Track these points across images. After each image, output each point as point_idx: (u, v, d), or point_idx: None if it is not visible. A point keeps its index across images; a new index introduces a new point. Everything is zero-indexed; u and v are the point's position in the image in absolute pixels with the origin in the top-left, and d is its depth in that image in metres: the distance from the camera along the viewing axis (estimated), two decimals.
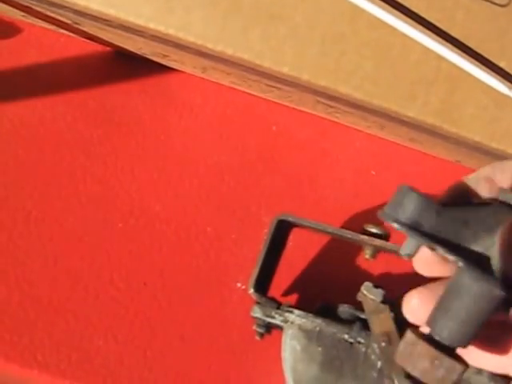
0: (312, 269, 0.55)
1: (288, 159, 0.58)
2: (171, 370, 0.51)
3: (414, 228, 0.31)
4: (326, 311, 0.50)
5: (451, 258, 0.30)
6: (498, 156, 0.48)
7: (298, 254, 0.54)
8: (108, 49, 0.59)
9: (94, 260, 0.53)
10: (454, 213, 0.31)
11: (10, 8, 0.54)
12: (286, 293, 0.54)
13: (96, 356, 0.50)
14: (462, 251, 0.30)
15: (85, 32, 0.53)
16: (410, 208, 0.31)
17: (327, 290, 0.54)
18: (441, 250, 0.31)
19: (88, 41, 0.58)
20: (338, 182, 0.57)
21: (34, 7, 0.49)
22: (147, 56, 0.56)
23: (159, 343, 0.51)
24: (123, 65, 0.59)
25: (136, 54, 0.57)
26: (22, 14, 0.55)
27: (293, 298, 0.54)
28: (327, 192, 0.57)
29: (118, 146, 0.56)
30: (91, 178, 0.55)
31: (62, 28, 0.55)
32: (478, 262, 0.30)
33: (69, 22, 0.50)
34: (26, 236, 0.53)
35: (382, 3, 0.44)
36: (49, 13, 0.49)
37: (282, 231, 0.51)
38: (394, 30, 0.44)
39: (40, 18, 0.54)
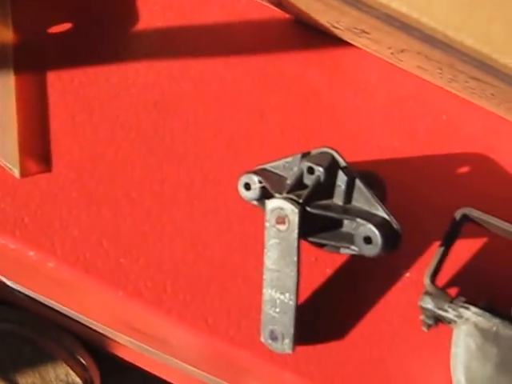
0: (475, 265, 0.54)
1: (455, 150, 0.57)
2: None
3: None
4: (490, 311, 0.49)
5: None
6: None
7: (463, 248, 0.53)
8: (287, 16, 0.58)
9: None
10: None
11: None
12: (448, 285, 0.53)
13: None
14: None
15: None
16: None
17: (488, 289, 0.53)
18: None
19: (269, 5, 0.57)
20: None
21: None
22: (336, 29, 0.55)
23: None
24: (301, 33, 0.58)
25: (315, 24, 0.56)
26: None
27: (452, 291, 0.53)
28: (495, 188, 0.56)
29: (294, 115, 0.56)
30: (268, 144, 0.54)
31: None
32: None
33: None
34: (203, 197, 0.52)
35: None
36: None
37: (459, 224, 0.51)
38: None
39: None
